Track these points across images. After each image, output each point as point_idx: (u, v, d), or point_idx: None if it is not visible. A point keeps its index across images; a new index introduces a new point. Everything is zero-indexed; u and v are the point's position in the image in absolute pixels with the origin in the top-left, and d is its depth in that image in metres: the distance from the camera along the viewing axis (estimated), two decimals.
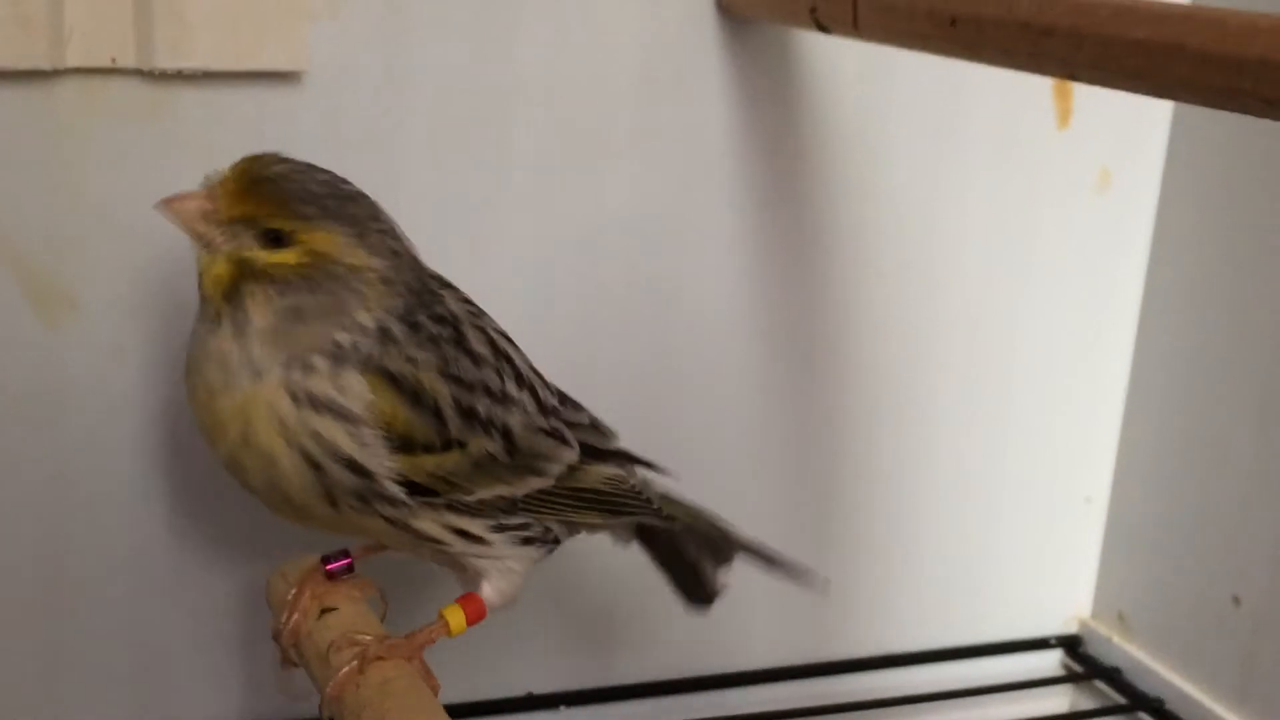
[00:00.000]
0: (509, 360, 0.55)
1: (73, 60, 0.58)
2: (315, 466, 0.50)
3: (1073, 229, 0.80)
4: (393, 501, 0.52)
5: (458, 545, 0.55)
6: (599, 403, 0.61)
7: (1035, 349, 0.81)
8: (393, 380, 0.51)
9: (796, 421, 0.77)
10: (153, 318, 0.63)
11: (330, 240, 0.50)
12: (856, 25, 0.59)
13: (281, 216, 0.50)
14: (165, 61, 0.58)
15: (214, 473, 0.64)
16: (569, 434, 0.57)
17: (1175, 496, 0.81)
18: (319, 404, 0.50)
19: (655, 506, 0.60)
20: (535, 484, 0.55)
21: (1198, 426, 0.79)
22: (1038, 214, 0.79)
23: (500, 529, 0.55)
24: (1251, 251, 0.75)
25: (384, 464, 0.51)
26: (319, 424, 0.50)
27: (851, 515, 0.80)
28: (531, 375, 0.57)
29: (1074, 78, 0.50)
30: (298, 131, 0.62)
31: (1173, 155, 0.80)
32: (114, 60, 0.58)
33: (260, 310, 0.50)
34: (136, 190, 0.60)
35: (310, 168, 0.52)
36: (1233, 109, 0.45)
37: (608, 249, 0.70)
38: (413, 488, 0.52)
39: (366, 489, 0.51)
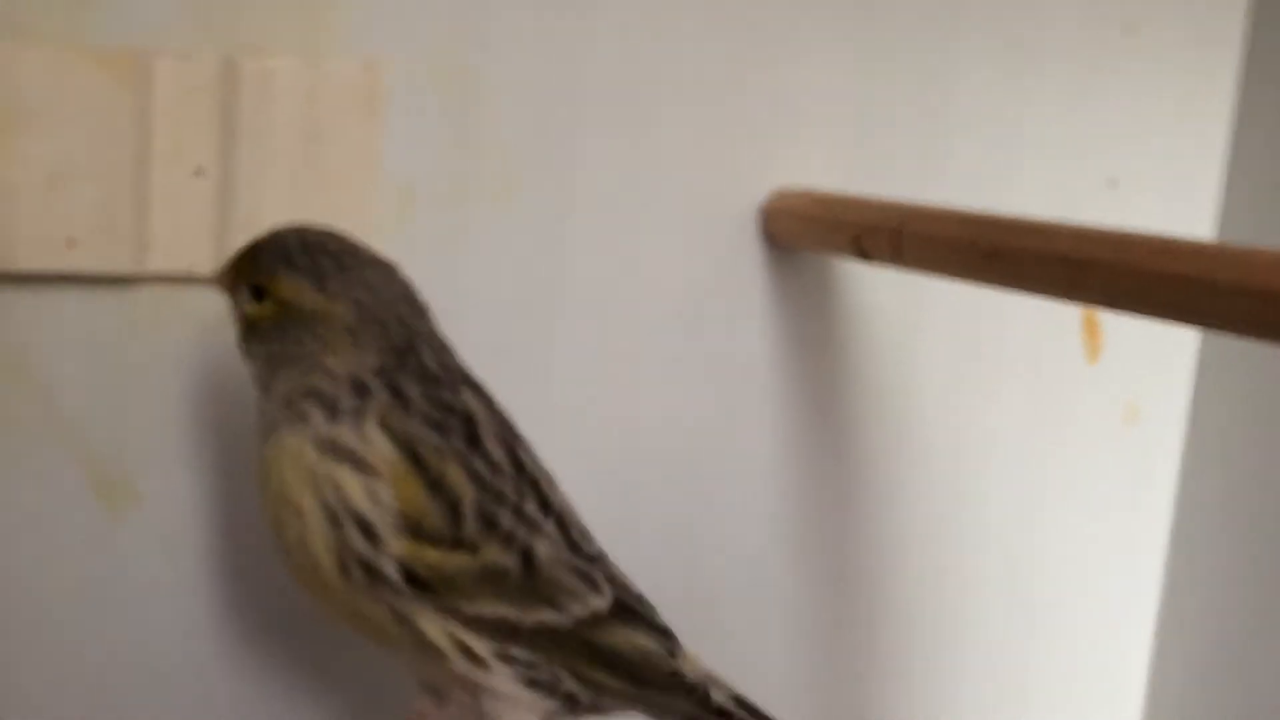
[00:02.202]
0: (534, 484, 0.55)
1: (153, 267, 0.60)
2: (334, 522, 0.52)
3: (1101, 461, 0.82)
4: (394, 587, 0.52)
5: (460, 664, 0.53)
6: None
7: (1063, 580, 0.82)
8: (415, 457, 0.52)
9: (832, 636, 0.77)
10: (214, 514, 0.64)
11: (291, 288, 0.53)
12: (899, 255, 0.62)
13: (258, 274, 0.54)
14: None
15: (272, 666, 0.65)
16: (603, 581, 0.56)
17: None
18: (340, 452, 0.52)
19: (698, 692, 0.57)
20: (547, 617, 0.54)
21: (1229, 660, 0.79)
22: (1066, 445, 0.81)
23: (505, 658, 0.54)
24: (1279, 485, 0.77)
25: (390, 536, 0.52)
26: (339, 474, 0.52)
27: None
28: (564, 510, 0.56)
29: (1111, 308, 0.52)
30: None
31: (1199, 390, 0.82)
32: (191, 269, 0.61)
33: (256, 360, 0.55)
34: (202, 391, 0.63)
35: (301, 231, 0.55)
36: (1262, 339, 0.47)
37: (649, 466, 0.72)
38: (412, 577, 0.52)
39: (373, 558, 0.52)
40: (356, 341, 0.53)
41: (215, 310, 0.62)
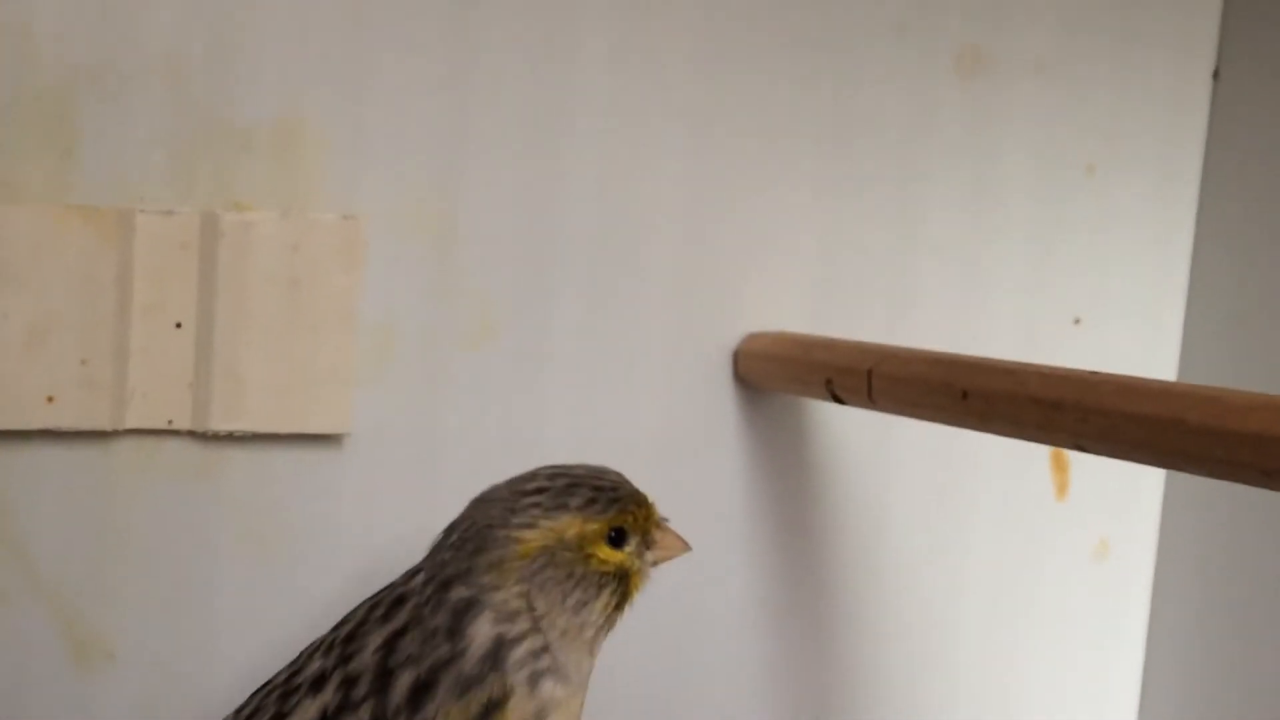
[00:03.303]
0: None
1: (132, 421, 0.61)
2: None
3: (1072, 597, 0.82)
4: None
5: None
6: None
7: (1037, 715, 0.82)
8: None
9: None
10: (186, 674, 0.64)
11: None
12: (871, 397, 0.62)
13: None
14: (219, 424, 0.62)
15: None
16: None
17: None
18: None
19: None
20: None
21: None
22: (1038, 582, 0.81)
23: None
24: (1250, 618, 0.77)
25: None
26: None
27: None
28: None
29: (1081, 449, 0.53)
30: (339, 489, 0.65)
31: (1167, 525, 0.83)
32: (171, 422, 0.61)
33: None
34: (181, 547, 0.63)
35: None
36: (1232, 479, 0.48)
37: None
38: None
39: None
40: None
41: (194, 463, 0.63)
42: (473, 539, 0.51)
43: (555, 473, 0.53)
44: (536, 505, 0.51)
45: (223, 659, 0.64)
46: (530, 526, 0.51)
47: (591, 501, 0.52)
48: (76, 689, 0.62)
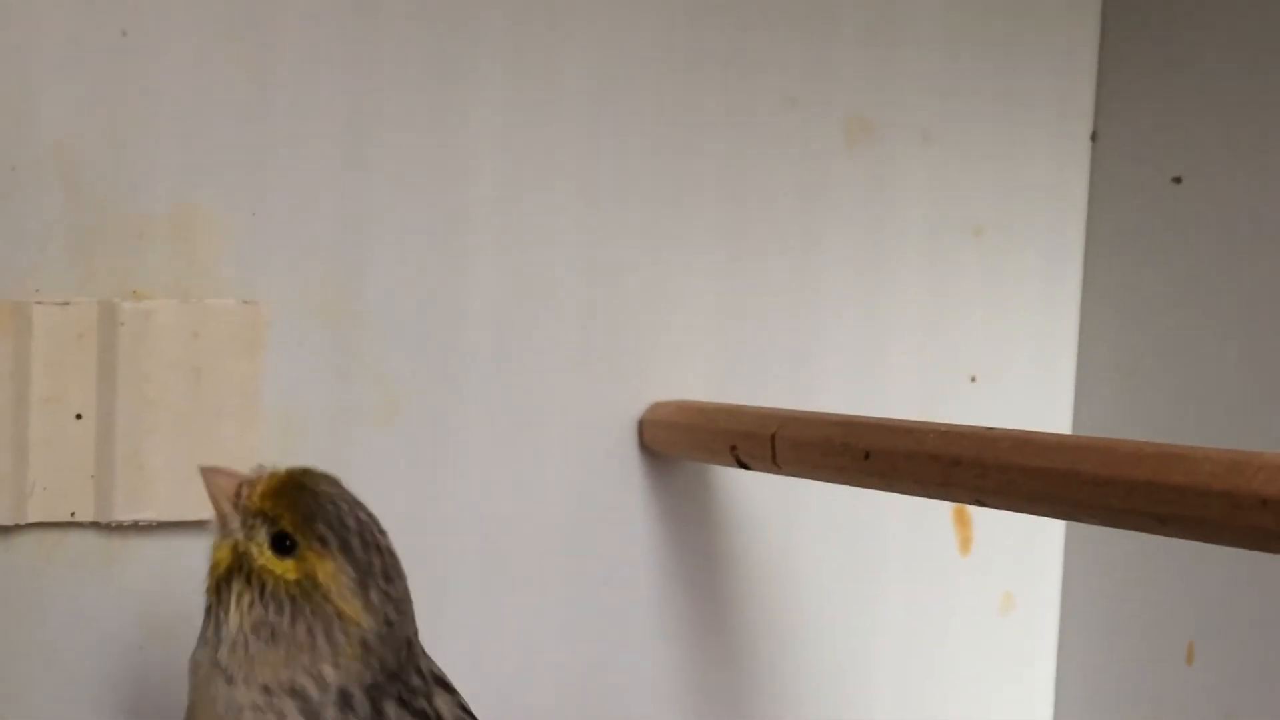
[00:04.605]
0: None
1: (34, 515, 0.60)
2: None
3: (980, 650, 0.83)
4: None
5: None
6: None
7: None
8: None
9: None
10: None
11: (333, 576, 0.48)
12: (775, 461, 0.63)
13: (300, 527, 0.49)
14: (122, 514, 0.61)
15: None
16: None
17: None
18: None
19: None
20: None
21: None
22: (946, 636, 0.82)
23: None
24: (1156, 666, 0.79)
25: None
26: None
27: None
28: None
29: (981, 503, 0.54)
30: None
31: (1069, 575, 0.84)
32: (74, 514, 0.61)
33: (237, 612, 0.49)
34: (85, 639, 0.62)
35: (358, 504, 0.51)
36: (1128, 527, 0.49)
37: (538, 680, 0.72)
38: None
39: None
40: (365, 658, 0.49)
41: (98, 554, 0.62)
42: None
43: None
44: None
45: None
46: None
47: None
48: None
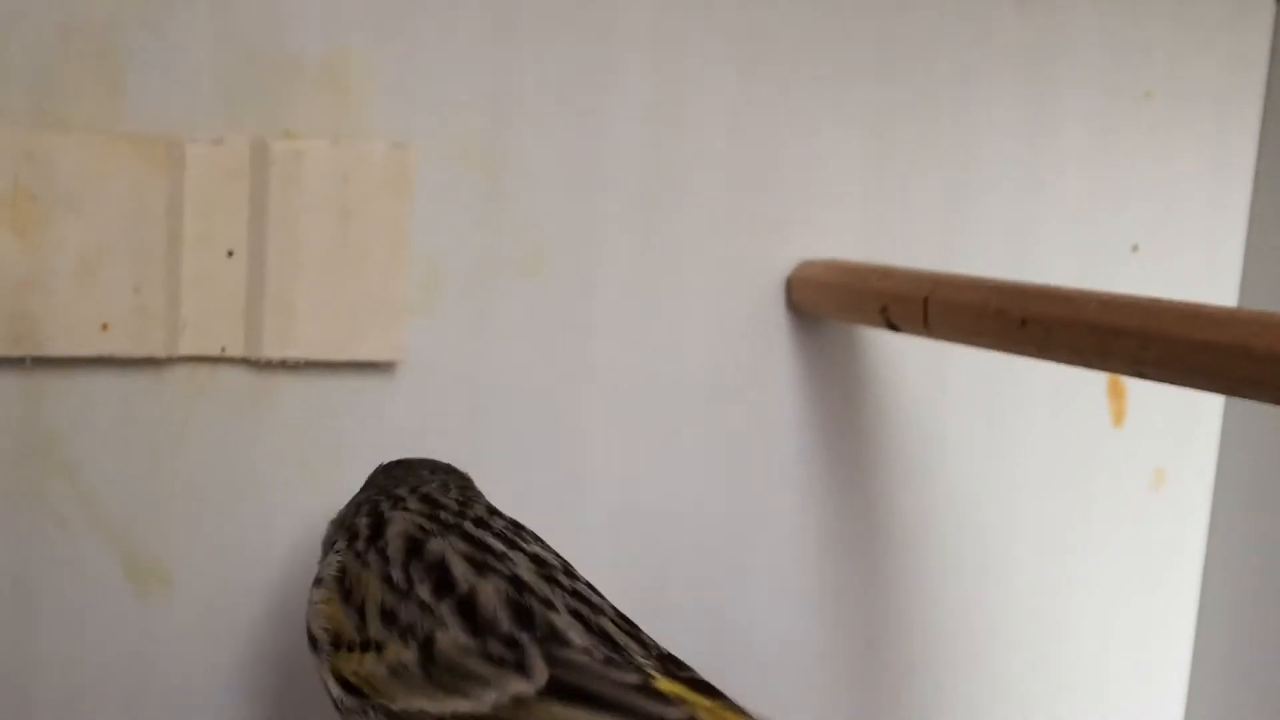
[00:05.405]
0: (440, 569, 0.53)
1: (186, 349, 0.61)
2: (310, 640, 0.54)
3: (1127, 526, 0.81)
4: (335, 701, 0.53)
5: None
6: None
7: (1090, 646, 0.82)
8: (342, 572, 0.54)
9: (859, 702, 0.77)
10: (243, 600, 0.64)
11: None
12: (927, 324, 0.62)
13: None
14: (271, 351, 0.62)
15: None
16: (536, 661, 0.50)
17: None
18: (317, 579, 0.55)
19: None
20: (461, 707, 0.50)
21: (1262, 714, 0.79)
22: (1092, 511, 0.81)
23: None
24: None
25: (326, 652, 0.53)
26: (311, 595, 0.54)
27: None
28: (484, 590, 0.52)
29: (1140, 376, 0.52)
30: (389, 417, 0.65)
31: (1225, 453, 0.82)
32: (224, 350, 0.62)
33: None
34: (234, 474, 0.63)
35: None
36: None
37: (678, 529, 0.72)
38: (346, 685, 0.52)
39: (320, 673, 0.53)
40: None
41: (247, 391, 0.63)
42: (453, 475, 0.60)
43: (432, 466, 0.60)
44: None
45: (276, 583, 0.64)
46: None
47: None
48: (136, 615, 0.63)
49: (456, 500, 0.56)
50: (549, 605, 0.52)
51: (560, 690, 0.50)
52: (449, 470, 0.60)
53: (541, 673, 0.50)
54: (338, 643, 0.53)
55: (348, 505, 0.59)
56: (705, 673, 0.68)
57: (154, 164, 0.59)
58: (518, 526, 0.56)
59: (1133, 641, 0.83)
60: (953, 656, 0.79)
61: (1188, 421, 0.81)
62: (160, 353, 0.60)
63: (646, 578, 0.71)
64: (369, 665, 0.52)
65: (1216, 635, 0.82)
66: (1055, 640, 0.81)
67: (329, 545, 0.57)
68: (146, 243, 0.59)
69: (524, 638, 0.51)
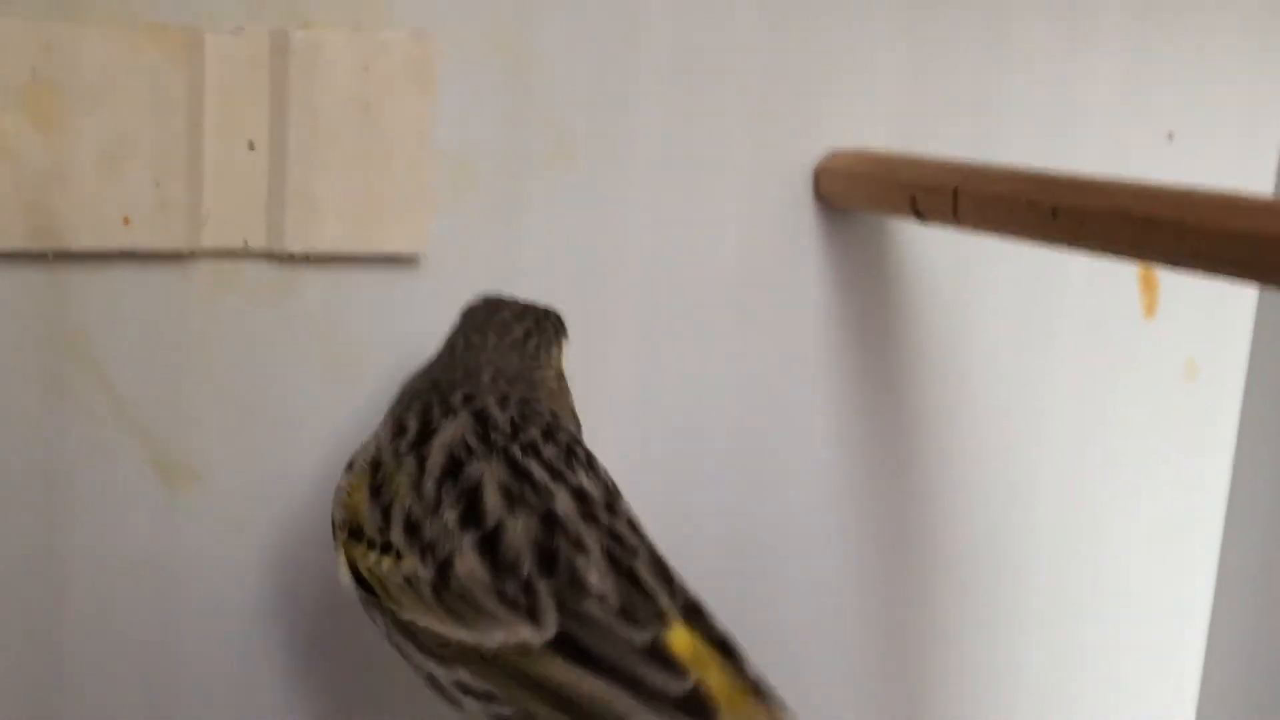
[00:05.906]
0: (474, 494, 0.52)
1: (208, 242, 0.61)
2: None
3: (1160, 418, 0.81)
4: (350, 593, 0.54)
5: (437, 695, 0.53)
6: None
7: (1122, 537, 0.82)
8: (375, 464, 0.54)
9: (886, 604, 0.77)
10: (271, 494, 0.64)
11: None
12: (956, 215, 0.61)
13: None
14: (294, 244, 0.61)
15: (325, 649, 0.65)
16: (548, 612, 0.50)
17: (1269, 683, 0.80)
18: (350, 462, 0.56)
19: None
20: (465, 637, 0.50)
21: None
22: (1124, 402, 0.80)
23: (465, 689, 0.52)
24: None
25: (340, 535, 0.54)
26: (340, 481, 0.55)
27: (940, 705, 0.80)
28: (515, 530, 0.51)
29: (1174, 266, 0.52)
30: (415, 312, 0.64)
31: (1258, 344, 0.81)
32: (246, 243, 0.61)
33: None
34: (261, 369, 0.63)
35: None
36: None
37: (705, 425, 0.72)
38: (359, 579, 0.53)
39: (336, 555, 0.54)
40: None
41: (270, 284, 0.63)
42: (519, 380, 0.58)
43: (518, 312, 0.60)
44: (539, 347, 0.59)
45: (303, 477, 0.64)
46: (545, 366, 0.59)
47: (559, 332, 0.60)
48: (165, 510, 0.63)
49: (513, 419, 0.55)
50: (578, 545, 0.51)
51: (566, 646, 0.49)
52: (538, 320, 0.60)
53: (551, 624, 0.50)
54: (359, 534, 0.53)
55: (420, 374, 0.58)
56: (729, 579, 0.68)
57: (173, 54, 0.58)
58: (570, 453, 0.55)
59: (1162, 531, 0.82)
60: (979, 551, 0.79)
61: (1220, 312, 0.80)
62: (183, 246, 0.60)
63: (668, 474, 0.71)
64: (385, 568, 0.52)
65: (1247, 524, 0.82)
66: (1083, 532, 0.81)
67: (390, 412, 0.57)
68: (167, 135, 0.59)
69: (542, 585, 0.50)
